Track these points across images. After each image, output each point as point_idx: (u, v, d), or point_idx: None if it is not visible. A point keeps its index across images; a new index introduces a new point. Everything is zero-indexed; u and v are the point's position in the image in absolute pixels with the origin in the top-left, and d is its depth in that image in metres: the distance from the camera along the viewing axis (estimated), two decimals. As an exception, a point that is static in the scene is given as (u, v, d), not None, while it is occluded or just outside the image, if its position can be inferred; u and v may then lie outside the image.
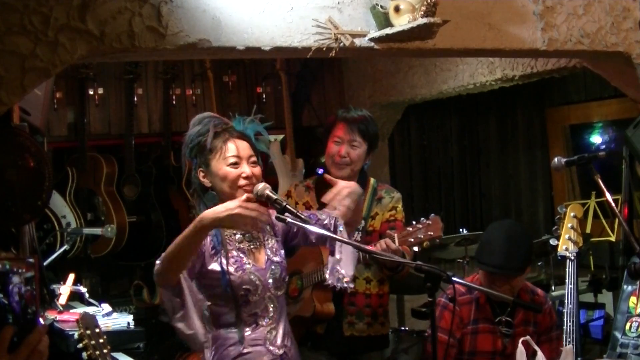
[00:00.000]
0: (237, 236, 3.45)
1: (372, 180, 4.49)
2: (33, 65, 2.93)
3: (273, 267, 3.46)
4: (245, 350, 3.39)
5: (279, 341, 3.45)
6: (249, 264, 3.40)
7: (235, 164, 3.35)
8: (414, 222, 3.99)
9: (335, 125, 4.34)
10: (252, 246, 3.47)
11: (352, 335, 4.37)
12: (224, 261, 3.35)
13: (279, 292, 3.49)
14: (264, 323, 3.43)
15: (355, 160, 4.29)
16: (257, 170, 3.41)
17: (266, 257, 3.47)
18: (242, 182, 3.35)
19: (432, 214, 3.99)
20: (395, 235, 3.97)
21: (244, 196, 3.18)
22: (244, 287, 3.36)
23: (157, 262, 3.19)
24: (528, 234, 4.36)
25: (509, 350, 4.08)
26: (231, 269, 3.35)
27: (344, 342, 4.34)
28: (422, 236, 3.94)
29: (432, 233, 3.93)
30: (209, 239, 3.37)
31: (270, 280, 3.43)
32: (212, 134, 3.38)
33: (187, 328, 3.26)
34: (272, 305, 3.46)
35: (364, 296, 4.38)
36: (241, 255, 3.41)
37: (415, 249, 4.00)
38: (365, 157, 4.36)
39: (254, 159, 3.41)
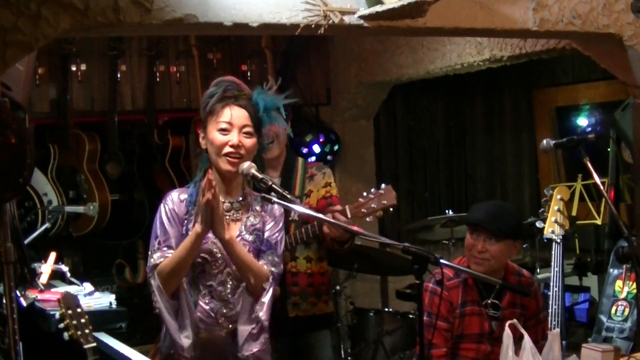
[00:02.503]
0: None
1: (300, 159, 4.56)
2: (15, 39, 2.86)
3: (242, 244, 3.42)
4: (196, 320, 3.41)
5: (233, 318, 3.44)
6: None
7: (224, 130, 3.34)
8: (365, 194, 4.00)
9: None
10: (228, 216, 3.44)
11: (297, 315, 4.39)
12: (190, 225, 3.37)
13: None
14: (218, 297, 3.43)
15: (278, 132, 4.35)
16: (250, 142, 3.39)
17: (238, 232, 3.45)
18: (227, 149, 3.34)
19: (384, 184, 4.01)
20: (347, 207, 3.97)
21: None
22: (201, 254, 3.37)
23: (152, 277, 3.35)
24: (515, 211, 4.41)
25: (497, 333, 4.06)
26: None
27: (290, 324, 4.35)
28: (376, 206, 3.97)
29: (385, 202, 3.96)
30: (182, 198, 3.45)
31: None
32: (218, 97, 3.38)
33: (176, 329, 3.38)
34: (230, 282, 3.44)
35: (306, 275, 4.41)
36: None
37: (369, 219, 4.02)
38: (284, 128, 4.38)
39: (248, 129, 3.39)
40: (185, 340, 3.36)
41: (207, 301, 3.42)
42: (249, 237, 3.46)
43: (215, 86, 3.44)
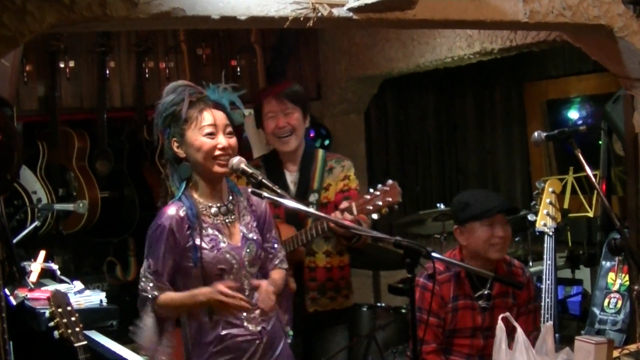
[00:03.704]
0: (213, 209, 3.41)
1: (320, 151, 4.50)
2: (-1, 34, 2.83)
3: (248, 244, 3.42)
4: (223, 332, 3.38)
5: (256, 318, 3.42)
6: (224, 242, 3.36)
7: (211, 134, 3.32)
8: (371, 190, 3.98)
9: (263, 103, 4.35)
10: (227, 220, 3.42)
11: (316, 310, 4.35)
12: (197, 236, 3.32)
13: (255, 269, 3.46)
14: None
15: (296, 125, 4.32)
16: (233, 140, 3.38)
17: (241, 233, 3.43)
18: (217, 152, 3.31)
19: (389, 180, 3.96)
20: (354, 204, 3.95)
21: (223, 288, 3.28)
22: (219, 266, 3.34)
23: (149, 310, 3.39)
24: None
25: (487, 323, 4.06)
26: (205, 248, 3.32)
27: (308, 319, 4.32)
28: (381, 203, 3.93)
29: (390, 199, 3.92)
30: (182, 213, 3.34)
31: (246, 259, 3.40)
32: (188, 103, 3.34)
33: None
34: (247, 282, 3.42)
35: (325, 270, 4.36)
36: (217, 233, 3.37)
37: (375, 216, 3.98)
38: (303, 120, 4.37)
39: (229, 129, 3.38)
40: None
41: None
42: (253, 236, 3.47)
43: (174, 93, 3.39)
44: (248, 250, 3.41)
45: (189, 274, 3.35)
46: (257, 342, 3.42)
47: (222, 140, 3.33)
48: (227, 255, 3.35)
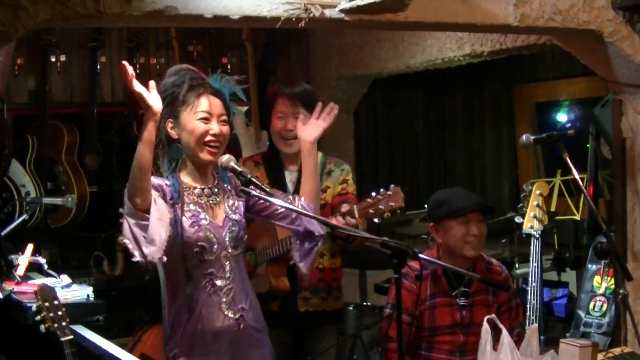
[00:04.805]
0: (196, 190, 3.42)
1: (319, 153, 4.46)
2: (-7, 29, 2.84)
3: (231, 224, 3.43)
4: (201, 312, 3.37)
5: (236, 304, 3.43)
6: (206, 219, 3.37)
7: (205, 119, 3.35)
8: (373, 194, 3.94)
9: (277, 101, 4.34)
10: (210, 201, 3.45)
11: (307, 310, 4.35)
12: (178, 211, 3.32)
13: (236, 251, 3.46)
14: (219, 284, 3.40)
15: None
16: (226, 129, 3.41)
17: (224, 214, 3.45)
18: (208, 138, 3.34)
19: (392, 185, 3.95)
20: (355, 207, 3.94)
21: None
22: (199, 243, 3.34)
23: (123, 207, 3.29)
24: None
25: (467, 320, 4.06)
26: (186, 223, 3.33)
27: (299, 318, 4.32)
28: (383, 207, 3.89)
29: (393, 204, 3.89)
30: (167, 189, 3.35)
31: (227, 238, 3.41)
32: (187, 86, 3.37)
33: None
34: (228, 265, 3.42)
35: (318, 271, 4.34)
36: (199, 210, 3.38)
37: (376, 220, 3.97)
38: None
39: (224, 117, 3.41)
40: (151, 248, 3.22)
41: (209, 291, 3.39)
42: (235, 217, 3.47)
43: (176, 75, 3.42)
44: (230, 230, 3.42)
45: (170, 251, 3.27)
46: (235, 329, 3.42)
47: (214, 127, 3.35)
48: (208, 233, 3.35)
